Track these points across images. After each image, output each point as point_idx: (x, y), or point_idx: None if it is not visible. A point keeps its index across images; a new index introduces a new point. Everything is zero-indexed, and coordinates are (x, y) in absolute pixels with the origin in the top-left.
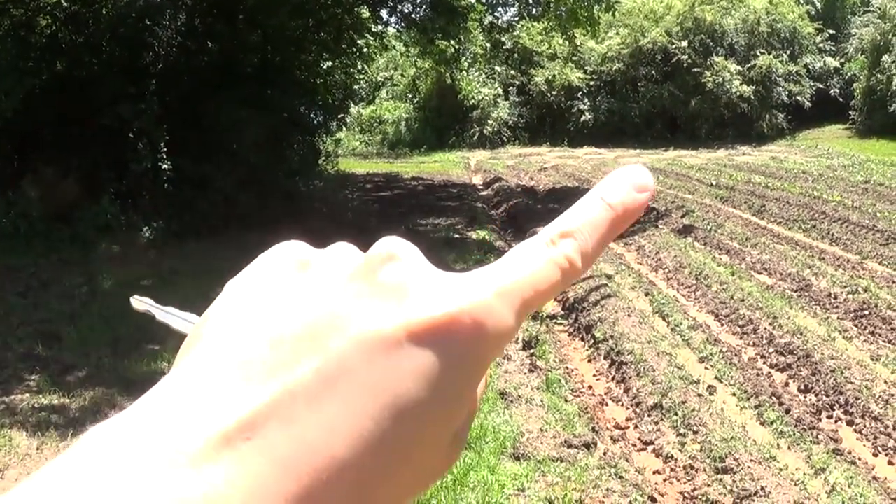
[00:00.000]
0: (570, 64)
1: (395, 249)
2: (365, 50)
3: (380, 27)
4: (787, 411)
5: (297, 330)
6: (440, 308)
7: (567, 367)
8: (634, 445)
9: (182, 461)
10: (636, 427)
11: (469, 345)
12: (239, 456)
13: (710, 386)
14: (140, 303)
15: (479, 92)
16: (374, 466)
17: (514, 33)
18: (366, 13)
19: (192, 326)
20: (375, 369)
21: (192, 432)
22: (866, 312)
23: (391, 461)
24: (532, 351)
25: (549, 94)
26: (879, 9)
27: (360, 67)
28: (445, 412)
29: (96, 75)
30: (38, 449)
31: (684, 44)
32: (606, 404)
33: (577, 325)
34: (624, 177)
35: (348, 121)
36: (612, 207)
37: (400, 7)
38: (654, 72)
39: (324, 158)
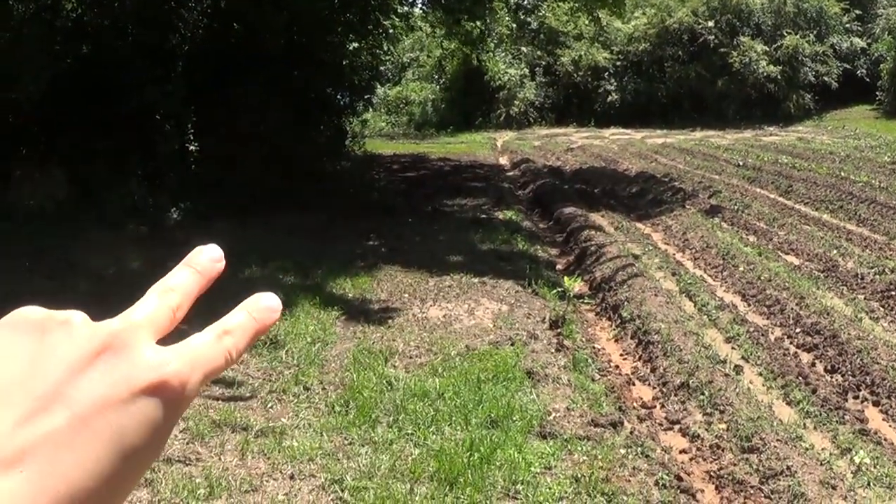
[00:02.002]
0: (596, 44)
1: (121, 327)
2: (391, 31)
3: (406, 8)
4: (814, 391)
5: (49, 386)
6: (157, 374)
7: (594, 347)
8: (661, 425)
9: None
10: (663, 406)
11: (174, 400)
12: (14, 484)
13: (736, 366)
14: None
15: (506, 73)
16: (108, 493)
17: (540, 13)
18: None
19: None
20: (109, 422)
21: None
22: (893, 293)
23: (119, 489)
24: (559, 330)
25: (575, 75)
26: None
27: (386, 48)
28: (154, 450)
29: (122, 58)
30: None
31: (711, 24)
32: (633, 384)
33: (604, 304)
34: (262, 303)
35: (374, 102)
36: (255, 319)
37: None
38: (680, 52)
39: (350, 139)
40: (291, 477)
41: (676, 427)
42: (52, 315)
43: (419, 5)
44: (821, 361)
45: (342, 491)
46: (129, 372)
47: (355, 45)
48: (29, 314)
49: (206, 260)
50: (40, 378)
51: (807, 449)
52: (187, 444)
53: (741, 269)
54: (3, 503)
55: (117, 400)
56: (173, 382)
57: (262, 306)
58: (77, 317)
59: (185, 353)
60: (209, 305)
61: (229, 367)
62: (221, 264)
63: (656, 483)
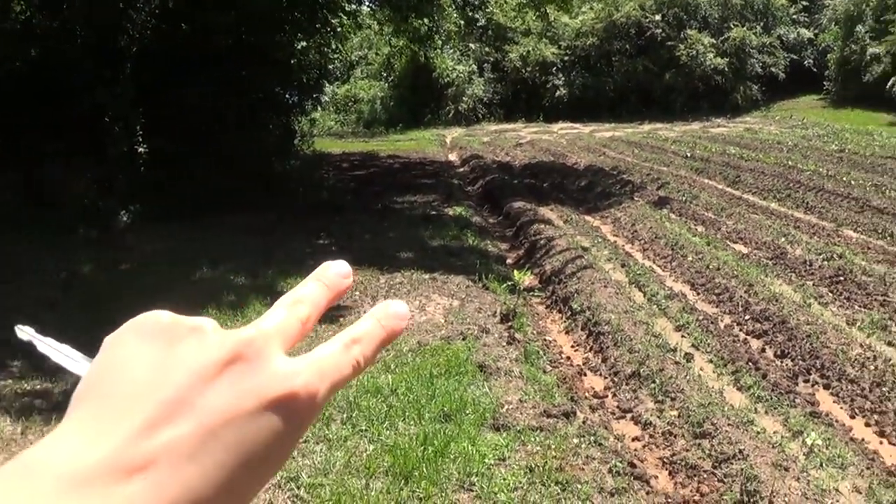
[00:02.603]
0: (544, 40)
1: (252, 337)
2: (339, 29)
3: (353, 6)
4: (764, 376)
5: (178, 393)
6: (285, 386)
7: (545, 339)
8: (613, 413)
9: (85, 490)
10: (614, 395)
11: (302, 411)
12: (136, 490)
13: (687, 353)
14: (24, 333)
15: (454, 69)
16: (231, 502)
17: (488, 10)
18: None
19: (68, 360)
20: (236, 433)
21: (96, 467)
22: (841, 278)
23: (240, 498)
24: (510, 324)
25: (523, 70)
26: None
27: (334, 47)
28: (280, 461)
29: (71, 60)
30: (22, 433)
31: (658, 17)
32: (585, 374)
33: (554, 297)
34: (390, 309)
35: (323, 100)
36: (384, 328)
37: None
38: (627, 46)
39: (299, 138)
40: None
41: (628, 415)
42: (182, 321)
43: (367, 3)
44: (770, 347)
45: (298, 488)
46: (259, 383)
47: (303, 43)
48: (158, 318)
49: (333, 274)
50: (168, 385)
51: (758, 433)
52: None
53: (690, 258)
54: None
55: (245, 411)
56: (302, 394)
57: (391, 313)
58: (208, 324)
59: (314, 364)
60: (162, 309)
61: (357, 376)
62: (349, 280)
63: (610, 471)
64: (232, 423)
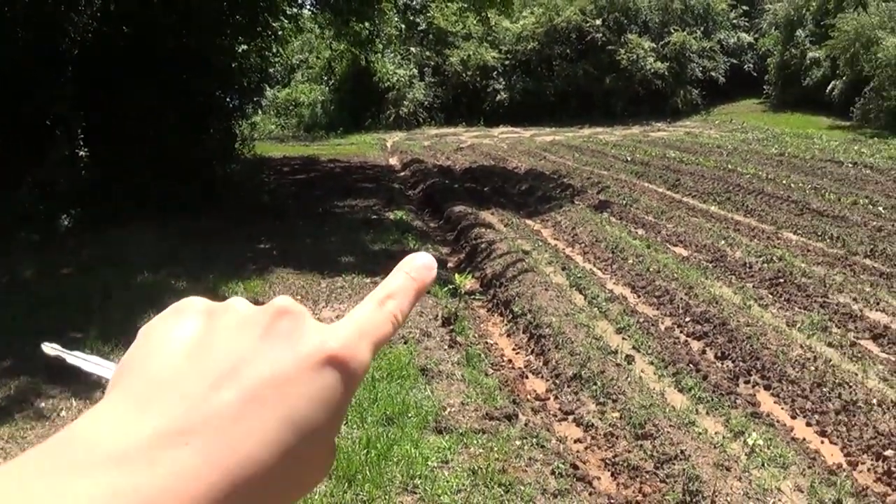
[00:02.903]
0: (484, 44)
1: (286, 305)
2: (280, 32)
3: (294, 9)
4: (705, 378)
5: (218, 364)
6: (323, 350)
7: (486, 342)
8: (555, 416)
9: (130, 458)
10: (556, 398)
11: (346, 374)
12: (179, 455)
13: (628, 356)
14: (51, 349)
15: (395, 73)
16: (280, 468)
17: (429, 14)
18: None
19: (100, 368)
20: (278, 395)
21: (140, 438)
22: (781, 280)
23: (292, 464)
24: (451, 327)
25: (464, 75)
26: None
27: (275, 50)
28: (330, 425)
29: (11, 63)
30: None
31: (598, 22)
32: (526, 377)
33: (495, 300)
34: (418, 262)
35: (264, 104)
36: (415, 280)
37: None
38: (568, 50)
39: (240, 142)
40: None
41: (570, 417)
42: (216, 303)
43: (308, 7)
44: (711, 349)
45: None
46: (298, 349)
47: (244, 46)
48: (194, 301)
49: (420, 266)
50: (209, 356)
51: (700, 433)
52: None
53: (630, 261)
54: (169, 474)
55: (286, 377)
56: (342, 357)
57: (419, 265)
58: (240, 301)
59: (350, 326)
60: (105, 313)
61: (397, 331)
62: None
63: (553, 472)
64: (275, 388)
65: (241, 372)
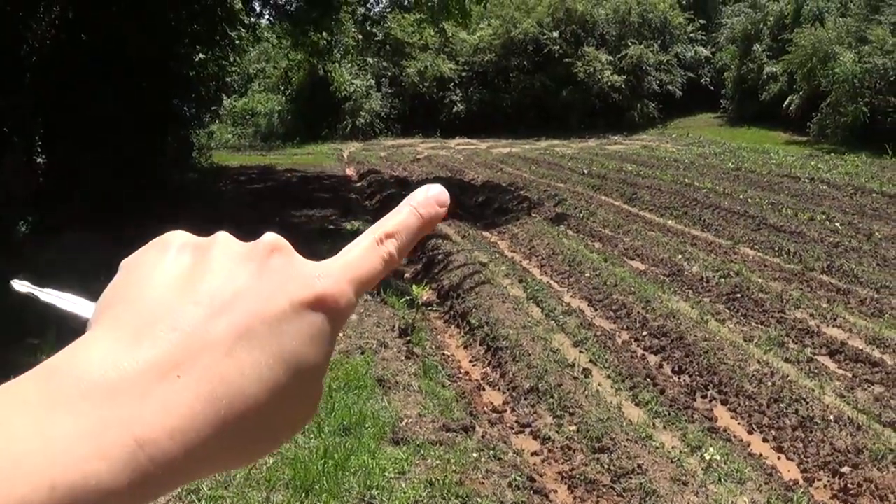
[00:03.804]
0: (441, 55)
1: (277, 242)
2: (237, 42)
3: (252, 19)
4: (662, 392)
5: (213, 297)
6: (314, 289)
7: (443, 354)
8: (512, 428)
9: (120, 391)
10: (513, 410)
11: (333, 314)
12: (171, 390)
13: (585, 369)
14: (22, 286)
15: (352, 83)
16: (271, 406)
17: (386, 25)
18: (238, 4)
19: (77, 306)
20: (270, 331)
21: (127, 372)
22: (738, 295)
23: (283, 402)
24: (408, 338)
25: (421, 86)
26: None
27: (232, 59)
28: (319, 364)
29: None
30: None
31: (556, 34)
32: (483, 389)
33: (452, 312)
34: (430, 193)
35: (221, 113)
36: (422, 216)
37: None
38: (525, 62)
39: (197, 151)
40: None
41: (527, 430)
42: (201, 238)
43: (266, 16)
44: (668, 363)
45: (199, 501)
46: (288, 285)
47: (202, 55)
48: (178, 234)
49: (431, 199)
50: (202, 289)
51: (657, 448)
52: None
53: (587, 275)
54: (160, 409)
55: (278, 312)
56: (332, 296)
57: (431, 197)
58: (227, 235)
59: (343, 265)
60: (61, 321)
61: (391, 269)
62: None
63: (510, 485)
64: (268, 325)
65: (236, 306)
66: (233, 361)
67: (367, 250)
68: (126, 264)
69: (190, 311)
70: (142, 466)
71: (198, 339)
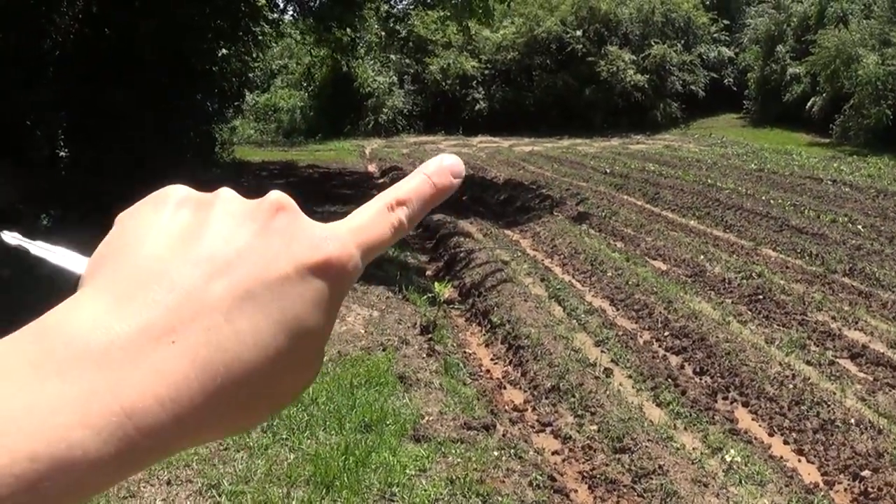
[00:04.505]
0: (464, 53)
1: (283, 201)
2: (260, 37)
3: (276, 15)
4: (683, 393)
5: (212, 257)
6: (320, 252)
7: (465, 352)
8: (533, 427)
9: (111, 356)
10: (534, 409)
11: (339, 279)
12: (165, 356)
13: (606, 369)
14: (11, 238)
15: (374, 80)
16: (270, 372)
17: (410, 22)
18: (262, 0)
19: (69, 260)
20: (272, 295)
21: (120, 335)
22: (760, 297)
23: (282, 368)
24: (430, 335)
25: (443, 83)
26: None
27: (255, 55)
28: (321, 329)
29: None
30: None
31: (579, 33)
32: (504, 387)
33: (473, 310)
34: (445, 163)
35: (243, 109)
36: (435, 185)
37: None
38: (548, 61)
39: (219, 146)
40: (168, 483)
41: (548, 429)
42: (203, 193)
43: (289, 12)
44: (690, 364)
45: (220, 496)
46: (293, 248)
47: (225, 51)
48: (178, 188)
49: (445, 169)
50: (200, 247)
51: (678, 448)
52: None
53: (609, 274)
54: (153, 376)
55: (281, 276)
56: (338, 260)
57: (445, 167)
58: (230, 192)
59: (350, 229)
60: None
61: (400, 237)
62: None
63: (530, 483)
64: (269, 288)
65: (236, 267)
66: (231, 326)
67: (377, 215)
68: (122, 218)
69: (187, 272)
70: (129, 436)
71: (195, 302)
